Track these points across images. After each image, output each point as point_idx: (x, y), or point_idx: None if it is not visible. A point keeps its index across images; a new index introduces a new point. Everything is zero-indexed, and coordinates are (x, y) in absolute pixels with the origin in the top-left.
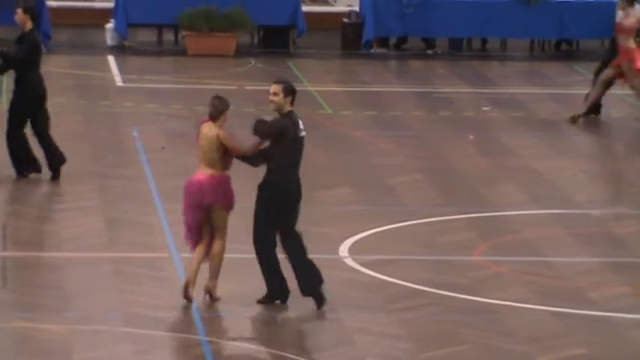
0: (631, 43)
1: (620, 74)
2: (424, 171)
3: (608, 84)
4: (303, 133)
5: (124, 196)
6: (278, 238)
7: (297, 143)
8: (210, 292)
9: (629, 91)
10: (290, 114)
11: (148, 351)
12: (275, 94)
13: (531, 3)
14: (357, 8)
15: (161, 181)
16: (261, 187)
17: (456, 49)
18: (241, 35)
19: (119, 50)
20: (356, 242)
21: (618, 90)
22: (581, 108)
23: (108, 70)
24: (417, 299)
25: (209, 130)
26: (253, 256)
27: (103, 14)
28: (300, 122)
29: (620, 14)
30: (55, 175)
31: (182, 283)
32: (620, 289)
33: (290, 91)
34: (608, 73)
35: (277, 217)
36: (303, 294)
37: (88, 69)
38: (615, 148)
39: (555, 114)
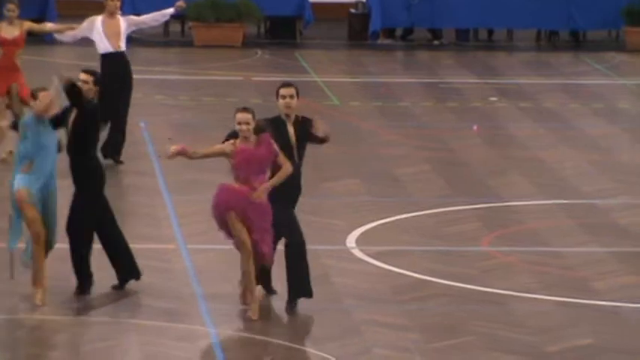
0: None
1: None
2: (431, 162)
3: None
4: None
5: (132, 188)
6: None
7: None
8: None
9: (636, 81)
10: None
11: (155, 342)
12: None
13: None
14: None
15: (168, 172)
16: None
17: (463, 39)
18: (248, 26)
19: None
20: (363, 233)
21: (625, 80)
22: None
23: None
24: (424, 290)
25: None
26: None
27: None
28: None
29: None
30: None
31: (190, 274)
32: (626, 279)
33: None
34: None
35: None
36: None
37: (94, 60)
38: (621, 138)
39: (562, 104)
